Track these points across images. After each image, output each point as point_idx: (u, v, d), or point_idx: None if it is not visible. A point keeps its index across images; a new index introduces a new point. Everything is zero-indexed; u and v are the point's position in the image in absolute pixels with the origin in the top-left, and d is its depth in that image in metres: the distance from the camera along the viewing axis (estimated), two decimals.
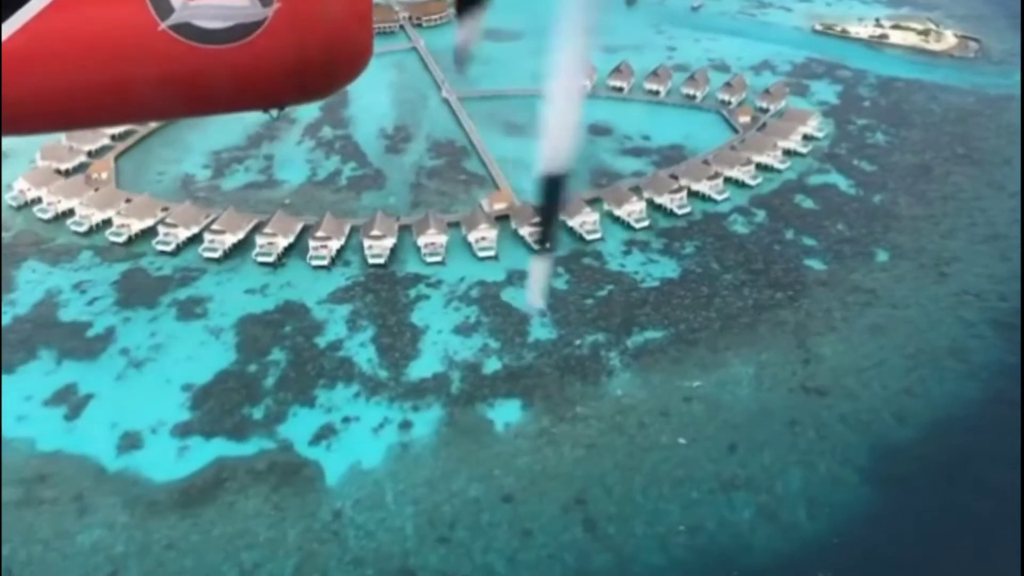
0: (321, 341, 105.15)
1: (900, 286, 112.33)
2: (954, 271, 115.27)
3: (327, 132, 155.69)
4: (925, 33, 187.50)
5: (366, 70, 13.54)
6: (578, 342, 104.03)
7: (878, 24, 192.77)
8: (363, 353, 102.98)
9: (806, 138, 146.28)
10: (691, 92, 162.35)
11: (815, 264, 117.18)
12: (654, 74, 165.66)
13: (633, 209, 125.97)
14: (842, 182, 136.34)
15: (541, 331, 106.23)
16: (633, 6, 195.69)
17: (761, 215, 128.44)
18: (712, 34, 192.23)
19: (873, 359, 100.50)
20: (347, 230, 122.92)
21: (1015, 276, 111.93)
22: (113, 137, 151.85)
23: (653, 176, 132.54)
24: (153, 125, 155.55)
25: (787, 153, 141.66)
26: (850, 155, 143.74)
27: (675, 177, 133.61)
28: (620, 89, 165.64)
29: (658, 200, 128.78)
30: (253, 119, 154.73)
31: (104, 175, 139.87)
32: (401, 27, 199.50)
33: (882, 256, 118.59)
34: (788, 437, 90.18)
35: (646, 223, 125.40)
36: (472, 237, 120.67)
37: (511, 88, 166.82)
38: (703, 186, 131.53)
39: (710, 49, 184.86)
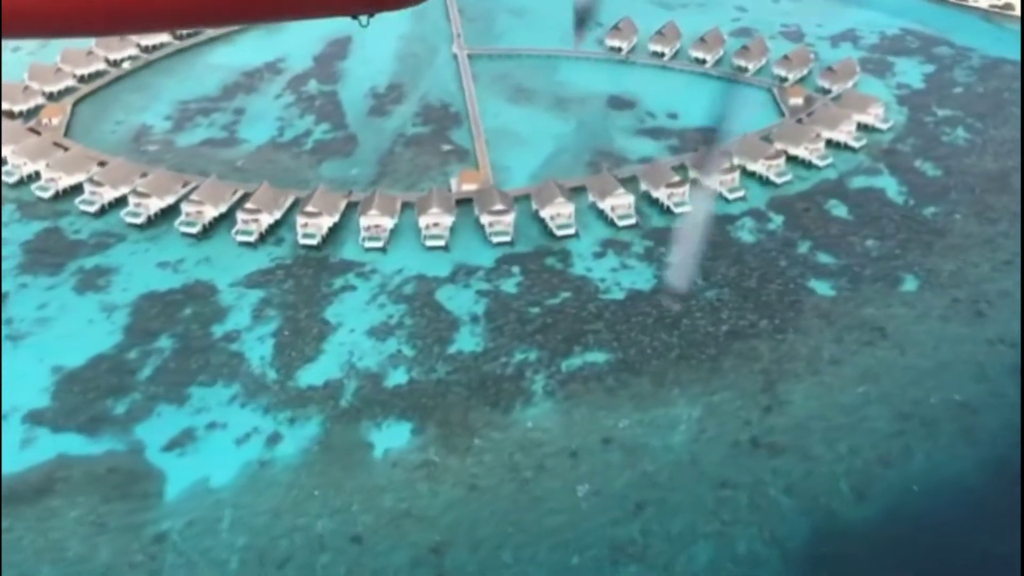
0: (218, 330, 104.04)
1: (919, 324, 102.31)
2: (995, 312, 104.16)
3: (312, 87, 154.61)
4: None
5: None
6: (504, 359, 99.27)
7: None
8: (258, 349, 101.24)
9: (864, 128, 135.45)
10: (742, 64, 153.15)
11: (822, 288, 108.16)
12: (702, 40, 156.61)
13: (619, 203, 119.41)
14: (892, 187, 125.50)
15: (468, 341, 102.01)
16: None
17: (777, 221, 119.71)
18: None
19: (852, 414, 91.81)
20: (287, 203, 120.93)
21: None
22: (80, 79, 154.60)
23: (653, 164, 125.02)
24: (125, 68, 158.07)
25: (834, 146, 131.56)
26: (914, 154, 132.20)
27: (682, 167, 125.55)
28: (661, 55, 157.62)
29: (654, 193, 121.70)
30: (239, 64, 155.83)
31: (56, 121, 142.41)
32: None
33: (909, 284, 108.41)
34: (712, 502, 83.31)
35: (632, 220, 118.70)
36: (422, 222, 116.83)
37: (533, 47, 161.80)
38: (714, 181, 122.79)
39: (788, 12, 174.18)
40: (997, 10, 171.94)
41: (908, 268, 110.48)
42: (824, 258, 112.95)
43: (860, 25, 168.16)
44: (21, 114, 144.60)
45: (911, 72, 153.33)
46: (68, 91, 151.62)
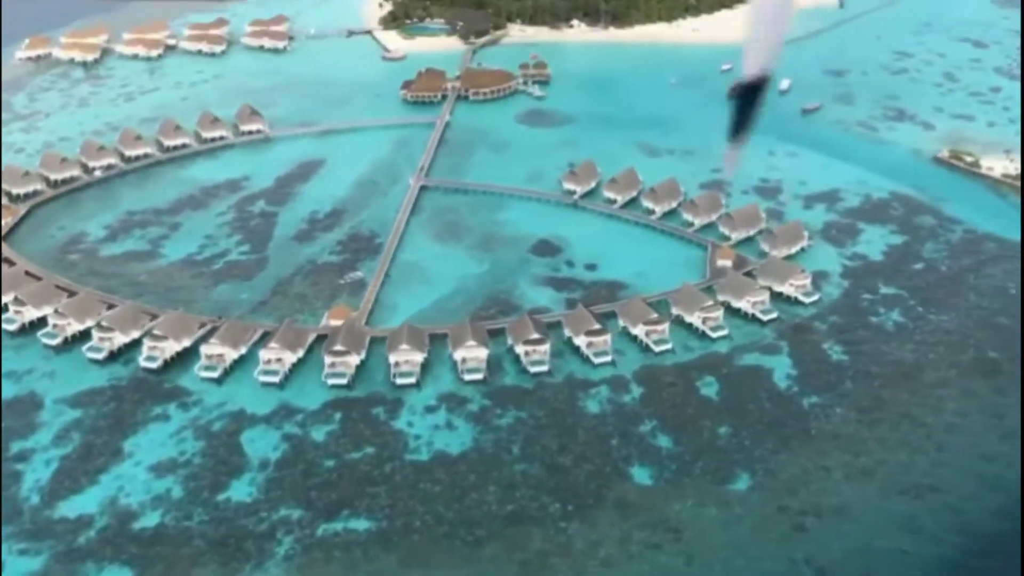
0: (16, 446, 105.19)
1: (725, 531, 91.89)
2: (819, 528, 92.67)
3: (257, 207, 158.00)
4: None
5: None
6: (265, 514, 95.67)
7: (1008, 157, 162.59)
8: (39, 472, 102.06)
9: (786, 300, 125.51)
10: (689, 218, 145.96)
11: (640, 475, 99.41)
12: (652, 190, 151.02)
13: (472, 355, 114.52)
14: (782, 369, 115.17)
15: (242, 489, 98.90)
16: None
17: (635, 394, 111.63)
18: (800, 147, 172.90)
19: None
20: (146, 325, 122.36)
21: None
22: (51, 183, 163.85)
23: (521, 319, 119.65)
24: (97, 176, 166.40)
25: (740, 316, 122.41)
26: (828, 334, 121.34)
27: (556, 324, 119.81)
28: (612, 201, 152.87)
29: (517, 349, 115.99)
30: (207, 179, 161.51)
31: (7, 220, 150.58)
32: (444, 97, 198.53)
33: (741, 483, 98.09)
34: None
35: (479, 375, 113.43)
36: (263, 356, 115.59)
37: (490, 184, 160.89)
38: (584, 342, 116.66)
39: (777, 166, 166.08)
40: (1010, 180, 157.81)
41: (748, 464, 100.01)
42: (662, 441, 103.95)
43: (849, 185, 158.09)
44: None
45: (876, 242, 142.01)
46: (34, 194, 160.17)
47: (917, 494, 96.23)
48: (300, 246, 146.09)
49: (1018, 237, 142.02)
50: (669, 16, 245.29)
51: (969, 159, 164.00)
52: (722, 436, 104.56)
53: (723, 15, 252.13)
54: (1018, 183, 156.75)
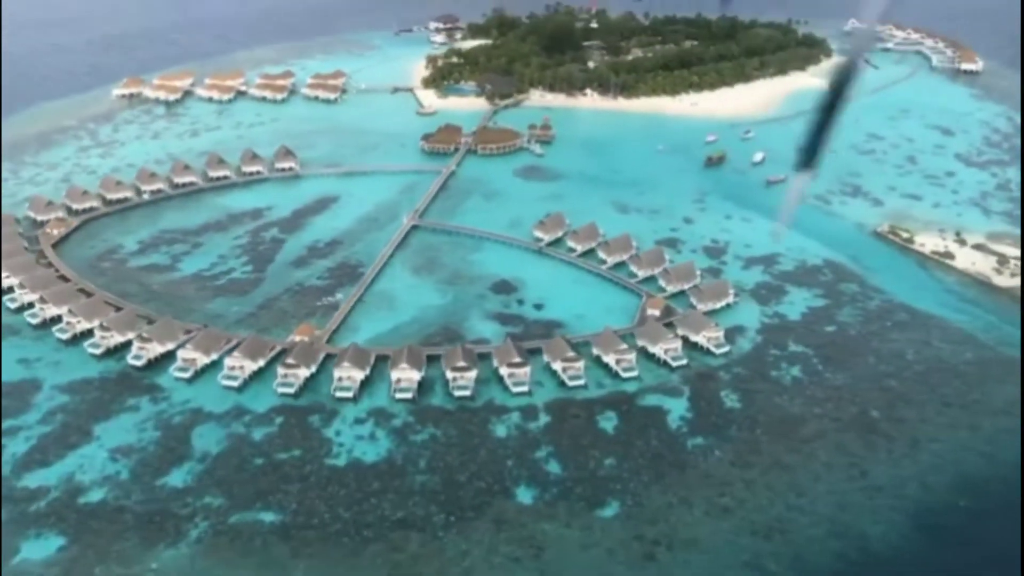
0: (8, 423, 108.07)
1: (583, 552, 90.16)
2: (667, 558, 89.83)
3: (269, 234, 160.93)
4: (1003, 261, 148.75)
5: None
6: (191, 499, 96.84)
7: (957, 240, 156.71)
8: (18, 445, 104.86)
9: (698, 348, 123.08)
10: (634, 269, 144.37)
11: (524, 495, 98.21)
12: (607, 243, 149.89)
13: (407, 377, 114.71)
14: (677, 412, 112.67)
15: (180, 476, 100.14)
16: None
17: (541, 422, 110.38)
18: (755, 214, 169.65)
19: None
20: (139, 328, 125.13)
21: None
22: (106, 202, 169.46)
23: (456, 348, 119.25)
24: (145, 199, 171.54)
25: (655, 361, 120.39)
26: (728, 384, 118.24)
27: (487, 356, 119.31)
28: (573, 250, 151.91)
29: (448, 374, 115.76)
30: (237, 207, 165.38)
31: (56, 231, 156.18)
32: (456, 150, 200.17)
33: (610, 510, 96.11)
34: None
35: (408, 395, 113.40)
36: (226, 363, 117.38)
37: (474, 228, 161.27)
38: (507, 372, 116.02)
39: (730, 229, 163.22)
40: (937, 256, 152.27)
41: (620, 494, 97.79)
42: (552, 467, 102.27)
43: (791, 251, 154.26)
44: (40, 223, 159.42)
45: (798, 303, 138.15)
46: (89, 210, 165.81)
47: (767, 535, 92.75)
48: (295, 270, 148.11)
49: (929, 308, 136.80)
50: (673, 90, 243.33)
51: (905, 235, 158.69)
52: (606, 466, 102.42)
53: (722, 92, 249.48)
54: (945, 259, 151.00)
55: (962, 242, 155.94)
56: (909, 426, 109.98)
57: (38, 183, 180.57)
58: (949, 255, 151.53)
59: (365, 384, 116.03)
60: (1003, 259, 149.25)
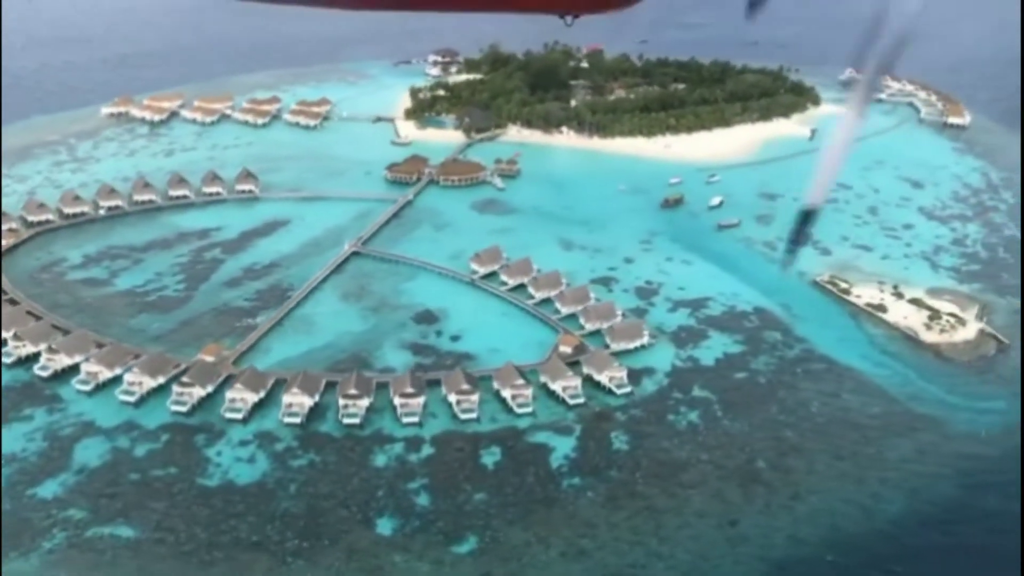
0: None
1: None
2: None
3: (213, 253, 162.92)
4: (936, 317, 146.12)
5: None
6: (56, 511, 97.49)
7: (895, 293, 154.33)
8: None
9: (601, 387, 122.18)
10: (559, 306, 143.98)
11: (383, 527, 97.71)
12: (535, 278, 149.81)
13: (298, 402, 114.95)
14: (562, 450, 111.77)
15: (52, 487, 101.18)
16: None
17: (424, 454, 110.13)
18: (698, 257, 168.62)
19: None
20: (52, 339, 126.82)
21: None
22: (63, 215, 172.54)
23: (349, 377, 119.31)
24: (101, 214, 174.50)
25: (554, 398, 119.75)
26: (622, 425, 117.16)
27: (382, 385, 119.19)
28: (504, 284, 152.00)
29: (340, 401, 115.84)
30: (187, 226, 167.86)
31: (7, 242, 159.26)
32: (417, 179, 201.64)
33: (467, 546, 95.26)
34: None
35: (298, 419, 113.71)
36: (126, 378, 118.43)
37: (414, 257, 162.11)
38: (399, 402, 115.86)
39: (668, 271, 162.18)
40: (871, 309, 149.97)
41: (481, 530, 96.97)
42: (421, 499, 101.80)
43: (722, 295, 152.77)
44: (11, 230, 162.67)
45: (715, 349, 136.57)
46: (43, 223, 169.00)
47: None
48: (226, 290, 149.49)
49: (849, 361, 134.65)
50: (649, 132, 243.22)
51: (843, 286, 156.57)
52: (474, 501, 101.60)
53: (700, 135, 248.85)
54: (878, 312, 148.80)
55: (899, 295, 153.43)
56: (794, 477, 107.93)
57: (6, 195, 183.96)
58: (882, 308, 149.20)
59: (258, 407, 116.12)
60: (936, 314, 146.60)
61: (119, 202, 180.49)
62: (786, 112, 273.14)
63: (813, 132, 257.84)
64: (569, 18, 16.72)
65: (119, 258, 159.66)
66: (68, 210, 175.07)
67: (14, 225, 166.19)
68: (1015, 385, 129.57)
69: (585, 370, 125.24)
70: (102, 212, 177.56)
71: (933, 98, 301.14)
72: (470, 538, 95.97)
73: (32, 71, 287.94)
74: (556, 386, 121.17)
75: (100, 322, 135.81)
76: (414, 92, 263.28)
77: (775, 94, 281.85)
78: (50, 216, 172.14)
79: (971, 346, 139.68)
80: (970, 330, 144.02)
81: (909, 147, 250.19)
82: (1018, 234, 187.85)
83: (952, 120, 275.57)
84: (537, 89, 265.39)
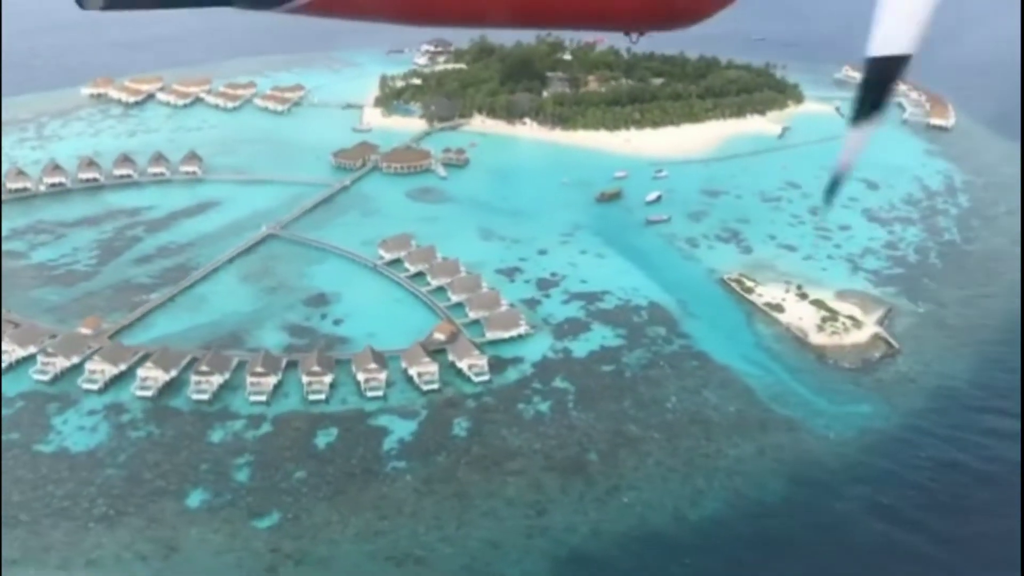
0: None
1: (213, 558, 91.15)
2: (291, 572, 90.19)
3: (135, 231, 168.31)
4: (832, 319, 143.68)
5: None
6: None
7: (799, 293, 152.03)
8: None
9: (460, 376, 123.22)
10: (449, 294, 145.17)
11: (194, 500, 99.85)
12: (431, 266, 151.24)
13: (152, 376, 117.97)
14: (399, 434, 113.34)
15: None
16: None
17: (262, 431, 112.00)
18: (613, 251, 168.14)
19: None
20: None
21: None
22: (10, 191, 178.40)
23: (207, 355, 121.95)
24: (49, 189, 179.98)
25: (411, 384, 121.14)
26: (467, 412, 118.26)
27: (236, 363, 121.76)
28: (406, 271, 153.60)
29: (193, 377, 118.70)
30: (122, 205, 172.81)
31: None
32: (362, 165, 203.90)
33: (267, 521, 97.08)
34: None
35: (149, 392, 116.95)
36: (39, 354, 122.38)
37: (330, 243, 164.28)
38: (249, 381, 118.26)
39: (577, 263, 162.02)
40: (770, 307, 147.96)
41: (290, 507, 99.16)
42: (240, 475, 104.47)
43: (621, 289, 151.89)
44: None
45: (592, 341, 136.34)
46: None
47: (400, 562, 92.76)
48: (133, 267, 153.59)
49: (726, 359, 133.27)
50: (613, 125, 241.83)
51: (748, 284, 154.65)
52: (292, 479, 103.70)
53: (667, 130, 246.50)
54: (774, 312, 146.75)
55: (803, 296, 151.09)
56: (620, 471, 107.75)
57: None
58: (779, 308, 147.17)
59: (118, 379, 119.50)
60: (833, 316, 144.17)
61: (63, 179, 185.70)
62: (762, 109, 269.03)
63: (784, 130, 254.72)
64: (635, 36, 17.06)
65: (43, 232, 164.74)
66: (11, 185, 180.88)
67: None
68: (888, 390, 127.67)
69: (450, 357, 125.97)
70: (42, 188, 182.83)
71: (923, 99, 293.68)
72: (274, 514, 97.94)
73: (24, 52, 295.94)
74: (413, 371, 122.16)
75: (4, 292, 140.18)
76: (384, 80, 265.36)
77: (754, 91, 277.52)
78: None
79: (858, 349, 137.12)
80: (864, 333, 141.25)
81: (879, 148, 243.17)
82: (957, 239, 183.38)
83: (935, 122, 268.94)
84: (510, 80, 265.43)
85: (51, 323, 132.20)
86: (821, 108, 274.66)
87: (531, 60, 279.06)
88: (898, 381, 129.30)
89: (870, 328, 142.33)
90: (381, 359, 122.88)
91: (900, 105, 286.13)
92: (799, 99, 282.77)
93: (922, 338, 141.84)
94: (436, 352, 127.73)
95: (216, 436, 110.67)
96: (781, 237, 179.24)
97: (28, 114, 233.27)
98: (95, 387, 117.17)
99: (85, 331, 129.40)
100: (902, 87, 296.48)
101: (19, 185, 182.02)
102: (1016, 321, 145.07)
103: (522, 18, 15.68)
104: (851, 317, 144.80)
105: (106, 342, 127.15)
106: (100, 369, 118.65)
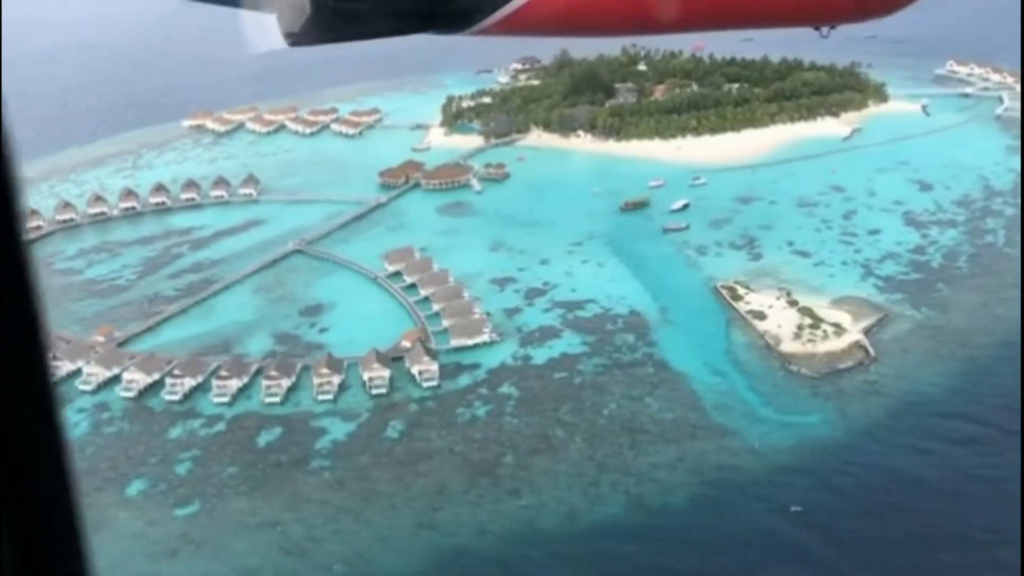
0: None
1: (132, 541, 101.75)
2: (188, 552, 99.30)
3: (180, 249, 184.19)
4: (815, 326, 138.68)
5: None
6: None
7: (789, 301, 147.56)
8: None
9: (412, 381, 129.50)
10: (433, 305, 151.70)
11: (134, 489, 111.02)
12: (422, 277, 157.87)
13: (92, 370, 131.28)
14: (335, 435, 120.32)
15: None
16: None
17: (215, 429, 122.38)
18: (620, 259, 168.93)
19: None
20: None
21: None
22: (91, 216, 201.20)
23: (188, 362, 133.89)
24: (115, 215, 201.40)
25: (364, 388, 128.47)
26: (409, 416, 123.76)
27: (212, 367, 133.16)
28: (404, 283, 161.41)
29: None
30: (180, 223, 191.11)
31: (33, 235, 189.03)
32: (406, 182, 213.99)
33: (189, 509, 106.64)
34: None
35: (90, 387, 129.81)
36: None
37: (338, 255, 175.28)
38: (217, 383, 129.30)
39: (573, 273, 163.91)
40: (749, 316, 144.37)
41: (211, 499, 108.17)
42: (181, 468, 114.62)
43: (608, 298, 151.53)
44: None
45: (556, 349, 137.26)
46: (67, 221, 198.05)
47: (288, 552, 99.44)
48: (166, 280, 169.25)
49: (686, 368, 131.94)
50: (667, 134, 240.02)
51: (740, 292, 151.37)
52: (224, 473, 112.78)
53: (724, 137, 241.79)
54: (754, 321, 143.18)
55: (792, 303, 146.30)
56: (529, 474, 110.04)
57: (56, 196, 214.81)
58: (761, 315, 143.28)
59: (112, 381, 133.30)
60: (815, 324, 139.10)
61: (135, 204, 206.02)
62: (837, 111, 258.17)
63: (854, 131, 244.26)
64: (825, 29, 16.43)
65: (103, 252, 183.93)
66: (91, 210, 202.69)
67: (41, 222, 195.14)
68: (846, 399, 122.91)
69: (406, 364, 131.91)
70: (115, 212, 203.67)
71: None
72: (195, 504, 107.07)
73: (154, 88, 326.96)
74: (366, 377, 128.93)
75: (47, 305, 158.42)
76: (450, 100, 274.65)
77: (831, 92, 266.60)
78: (74, 215, 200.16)
79: (829, 357, 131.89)
80: (843, 341, 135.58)
81: (954, 144, 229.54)
82: (1000, 241, 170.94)
83: None
84: (574, 93, 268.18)
85: (76, 332, 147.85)
86: (906, 107, 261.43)
87: (597, 72, 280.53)
88: (860, 390, 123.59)
89: (852, 336, 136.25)
90: (337, 365, 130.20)
91: (1000, 98, 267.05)
92: (883, 98, 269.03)
93: (909, 345, 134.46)
94: (395, 359, 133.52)
95: (174, 433, 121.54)
96: (799, 243, 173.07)
97: (132, 146, 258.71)
98: (89, 388, 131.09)
99: (98, 338, 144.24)
100: (1010, 80, 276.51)
101: (98, 210, 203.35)
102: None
103: (713, 20, 15.54)
104: (836, 324, 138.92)
105: (112, 348, 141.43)
106: (95, 372, 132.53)
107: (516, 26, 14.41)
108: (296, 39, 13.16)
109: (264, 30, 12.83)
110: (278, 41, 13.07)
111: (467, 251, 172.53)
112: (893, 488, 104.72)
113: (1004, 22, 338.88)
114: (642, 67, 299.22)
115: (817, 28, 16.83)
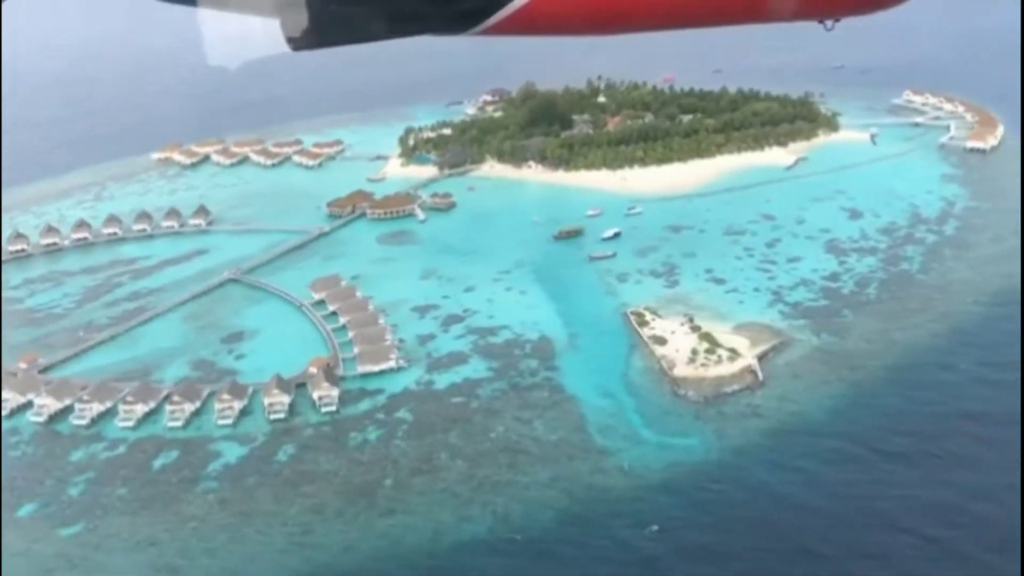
0: None
1: (21, 559, 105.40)
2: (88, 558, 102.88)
3: (124, 278, 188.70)
4: (711, 351, 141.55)
5: None
6: None
7: (692, 326, 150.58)
8: None
9: (312, 406, 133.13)
10: (350, 333, 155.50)
11: (26, 511, 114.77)
12: (341, 306, 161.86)
13: (46, 403, 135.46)
14: (228, 459, 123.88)
15: None
16: None
17: (116, 452, 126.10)
18: (541, 287, 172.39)
19: None
20: None
21: None
22: (43, 246, 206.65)
23: (98, 387, 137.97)
24: (68, 244, 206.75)
25: (264, 415, 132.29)
26: (301, 439, 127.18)
27: (126, 393, 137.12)
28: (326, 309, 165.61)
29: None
30: (124, 256, 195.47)
31: None
32: (352, 211, 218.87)
33: (71, 530, 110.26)
34: None
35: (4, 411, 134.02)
36: None
37: (270, 284, 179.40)
38: (123, 408, 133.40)
39: (495, 300, 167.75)
40: (650, 341, 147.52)
41: (97, 519, 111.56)
42: (75, 490, 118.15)
43: (522, 324, 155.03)
44: None
45: (460, 374, 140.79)
46: (19, 252, 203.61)
47: (160, 570, 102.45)
48: (102, 309, 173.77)
49: (581, 394, 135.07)
50: (616, 164, 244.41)
51: (647, 318, 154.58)
52: (114, 495, 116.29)
53: (670, 168, 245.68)
54: (654, 346, 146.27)
55: (695, 329, 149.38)
56: (404, 497, 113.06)
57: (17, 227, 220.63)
58: (662, 340, 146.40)
59: (26, 407, 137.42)
60: (711, 349, 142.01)
61: (87, 234, 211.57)
62: (785, 141, 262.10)
63: (797, 161, 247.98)
64: (829, 22, 16.40)
65: (48, 281, 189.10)
66: (43, 241, 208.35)
67: None
68: (725, 422, 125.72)
69: (309, 389, 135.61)
70: (67, 243, 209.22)
71: (974, 119, 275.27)
72: (80, 524, 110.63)
73: (131, 122, 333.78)
74: (266, 402, 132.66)
75: None
76: (408, 132, 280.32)
77: (782, 122, 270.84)
78: (26, 246, 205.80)
79: (718, 381, 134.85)
80: (736, 366, 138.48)
81: (892, 173, 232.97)
82: (914, 269, 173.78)
83: (972, 144, 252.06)
84: (531, 125, 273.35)
85: (4, 360, 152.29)
86: (855, 136, 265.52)
87: (555, 104, 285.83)
88: (741, 413, 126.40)
89: (745, 360, 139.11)
90: (240, 391, 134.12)
91: (948, 127, 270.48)
92: (834, 128, 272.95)
93: (800, 370, 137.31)
94: (300, 385, 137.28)
95: (76, 456, 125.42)
96: (718, 271, 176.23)
97: (100, 178, 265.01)
98: (4, 413, 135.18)
99: (21, 365, 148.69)
100: (960, 109, 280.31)
101: (50, 240, 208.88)
102: (918, 351, 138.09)
103: (720, 15, 15.35)
104: (731, 349, 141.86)
105: (32, 375, 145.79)
106: (10, 398, 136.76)
107: (516, 27, 14.46)
108: (298, 43, 13.45)
109: (267, 35, 13.22)
110: (280, 46, 13.50)
111: (397, 279, 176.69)
112: (753, 504, 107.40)
113: (968, 51, 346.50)
114: (602, 99, 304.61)
115: (822, 22, 16.77)
